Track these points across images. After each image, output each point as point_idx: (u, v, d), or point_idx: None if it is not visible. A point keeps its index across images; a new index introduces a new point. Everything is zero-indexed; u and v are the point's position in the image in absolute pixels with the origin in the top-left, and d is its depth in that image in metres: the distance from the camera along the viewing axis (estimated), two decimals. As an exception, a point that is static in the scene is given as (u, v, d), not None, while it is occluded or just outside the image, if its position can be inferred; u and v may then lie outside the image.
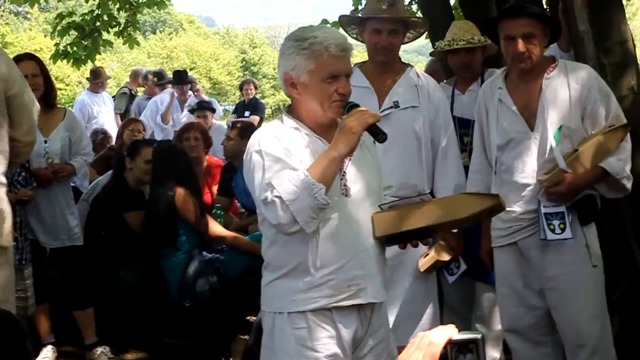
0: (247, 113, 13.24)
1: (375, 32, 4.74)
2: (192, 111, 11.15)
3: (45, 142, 6.02)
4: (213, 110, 10.96)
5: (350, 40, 3.56)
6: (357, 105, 3.24)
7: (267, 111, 18.93)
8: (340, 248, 3.27)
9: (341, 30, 4.62)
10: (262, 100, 15.30)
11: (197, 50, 50.11)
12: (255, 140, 3.33)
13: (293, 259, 3.30)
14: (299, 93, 3.35)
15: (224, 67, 50.77)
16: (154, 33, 57.64)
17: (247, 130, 7.25)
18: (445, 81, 5.93)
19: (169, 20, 64.08)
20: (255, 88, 14.26)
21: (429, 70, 8.00)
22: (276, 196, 3.10)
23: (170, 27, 61.23)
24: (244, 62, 54.52)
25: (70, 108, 9.33)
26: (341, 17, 5.20)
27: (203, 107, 10.80)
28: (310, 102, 3.33)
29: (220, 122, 12.00)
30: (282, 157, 3.20)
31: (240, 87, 14.84)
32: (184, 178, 6.18)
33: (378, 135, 3.18)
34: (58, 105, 6.39)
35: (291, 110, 3.44)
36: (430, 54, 6.39)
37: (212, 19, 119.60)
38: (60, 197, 6.12)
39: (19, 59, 5.99)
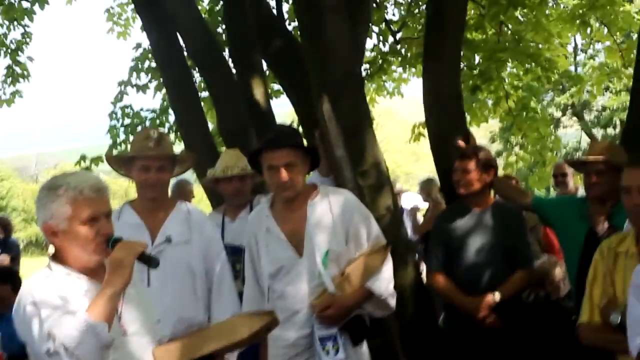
0: None
1: (143, 169, 4.77)
2: None
3: None
4: None
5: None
6: (120, 239, 3.23)
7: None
8: None
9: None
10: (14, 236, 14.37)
11: (-64, 187, 47.65)
12: (26, 292, 3.21)
13: None
14: (61, 240, 3.30)
15: (-31, 203, 48.52)
16: None
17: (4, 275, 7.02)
18: (214, 209, 6.03)
19: None
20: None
21: (178, 190, 8.18)
22: (59, 345, 3.00)
23: None
24: (-10, 196, 52.27)
25: None
26: (109, 157, 5.20)
27: None
28: (74, 248, 3.29)
29: None
30: (59, 304, 3.11)
31: None
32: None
33: (151, 262, 3.17)
34: None
35: (57, 258, 3.35)
36: (201, 182, 6.45)
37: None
38: None
39: None
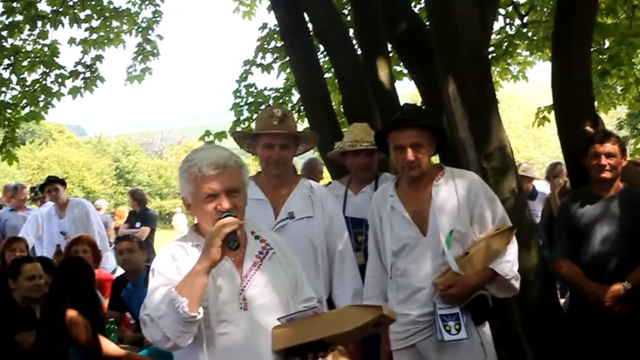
0: (137, 224, 13.07)
1: (267, 146, 4.88)
2: (42, 188, 10.86)
3: None
4: (63, 183, 10.75)
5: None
6: (232, 215, 3.25)
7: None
8: None
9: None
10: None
11: (68, 160, 49.33)
12: (154, 259, 3.41)
13: None
14: (194, 213, 3.44)
15: (98, 176, 50.10)
16: (23, 144, 56.41)
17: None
18: (339, 179, 6.08)
19: (37, 131, 62.84)
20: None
21: (308, 168, 8.28)
22: (146, 314, 3.15)
23: (40, 137, 60.15)
24: (118, 170, 53.89)
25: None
26: (234, 133, 5.33)
27: (52, 181, 10.57)
28: (201, 221, 3.42)
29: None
30: (169, 276, 3.23)
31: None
32: (81, 297, 6.04)
33: (229, 242, 3.14)
34: None
35: (197, 227, 3.49)
36: (328, 155, 6.41)
37: (82, 128, 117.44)
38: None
39: None
